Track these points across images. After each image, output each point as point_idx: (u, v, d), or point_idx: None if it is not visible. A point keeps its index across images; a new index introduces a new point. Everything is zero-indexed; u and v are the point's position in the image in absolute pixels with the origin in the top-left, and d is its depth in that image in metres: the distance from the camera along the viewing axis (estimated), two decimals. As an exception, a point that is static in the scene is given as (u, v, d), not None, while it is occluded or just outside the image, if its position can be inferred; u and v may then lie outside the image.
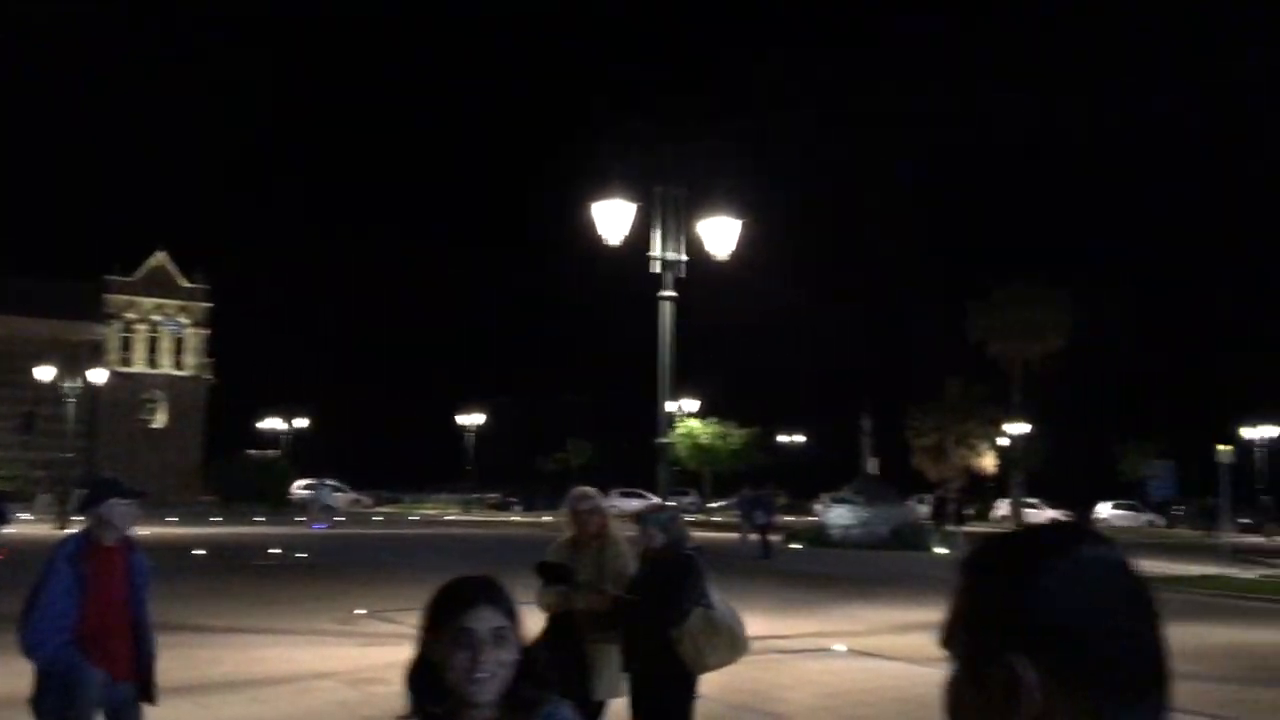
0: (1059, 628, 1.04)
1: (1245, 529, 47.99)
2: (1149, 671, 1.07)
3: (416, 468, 72.99)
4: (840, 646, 12.32)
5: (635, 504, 39.61)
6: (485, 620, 2.21)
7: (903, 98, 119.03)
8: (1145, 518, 59.32)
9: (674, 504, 10.40)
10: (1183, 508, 57.04)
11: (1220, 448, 26.94)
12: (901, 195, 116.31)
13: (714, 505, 56.85)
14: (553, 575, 6.01)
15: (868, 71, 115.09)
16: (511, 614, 2.28)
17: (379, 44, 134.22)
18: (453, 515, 52.99)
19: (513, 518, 51.77)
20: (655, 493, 11.47)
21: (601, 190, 11.85)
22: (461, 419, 63.47)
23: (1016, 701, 1.03)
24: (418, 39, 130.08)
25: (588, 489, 6.45)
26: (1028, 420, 56.03)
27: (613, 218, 11.77)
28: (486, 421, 64.21)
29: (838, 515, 33.66)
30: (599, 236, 11.83)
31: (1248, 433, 53.47)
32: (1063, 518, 61.15)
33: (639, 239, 12.01)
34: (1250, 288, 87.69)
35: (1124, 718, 1.04)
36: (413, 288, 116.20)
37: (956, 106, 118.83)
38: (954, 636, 1.12)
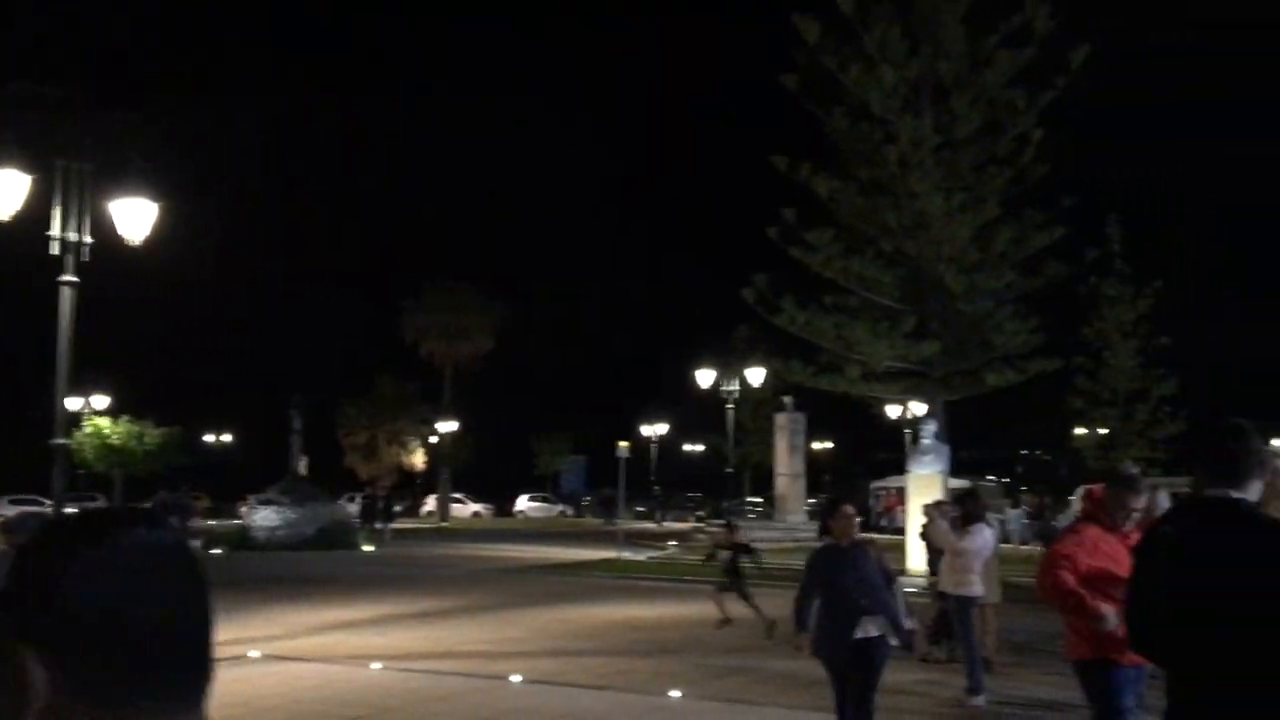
0: (83, 619, 0.98)
1: (640, 516, 54.13)
2: (185, 662, 1.04)
3: None
4: (255, 653, 11.93)
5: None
6: None
7: (350, 94, 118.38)
8: (558, 508, 64.42)
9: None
10: (589, 498, 62.89)
11: (620, 444, 30.03)
12: (339, 189, 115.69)
13: (125, 511, 52.38)
14: None
15: (310, 64, 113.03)
16: None
17: None
18: None
19: None
20: (51, 498, 10.34)
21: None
22: None
23: (26, 696, 0.97)
24: None
25: None
26: (457, 418, 58.35)
27: (3, 190, 10.41)
28: None
29: (263, 517, 32.62)
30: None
31: (645, 430, 60.22)
32: (481, 506, 64.30)
33: (37, 216, 10.75)
34: (646, 300, 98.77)
35: (151, 709, 1.00)
36: None
37: (401, 113, 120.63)
38: None
